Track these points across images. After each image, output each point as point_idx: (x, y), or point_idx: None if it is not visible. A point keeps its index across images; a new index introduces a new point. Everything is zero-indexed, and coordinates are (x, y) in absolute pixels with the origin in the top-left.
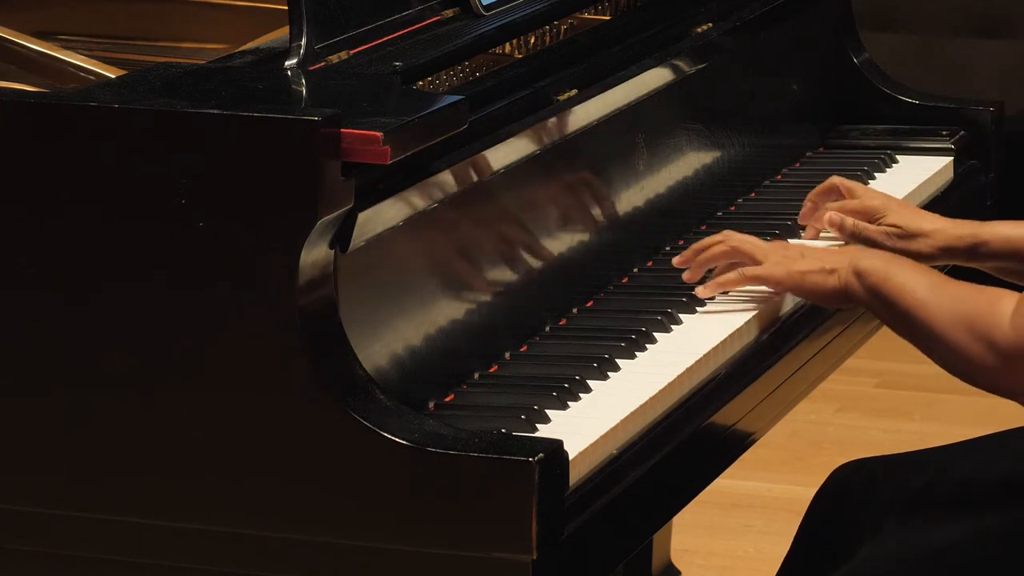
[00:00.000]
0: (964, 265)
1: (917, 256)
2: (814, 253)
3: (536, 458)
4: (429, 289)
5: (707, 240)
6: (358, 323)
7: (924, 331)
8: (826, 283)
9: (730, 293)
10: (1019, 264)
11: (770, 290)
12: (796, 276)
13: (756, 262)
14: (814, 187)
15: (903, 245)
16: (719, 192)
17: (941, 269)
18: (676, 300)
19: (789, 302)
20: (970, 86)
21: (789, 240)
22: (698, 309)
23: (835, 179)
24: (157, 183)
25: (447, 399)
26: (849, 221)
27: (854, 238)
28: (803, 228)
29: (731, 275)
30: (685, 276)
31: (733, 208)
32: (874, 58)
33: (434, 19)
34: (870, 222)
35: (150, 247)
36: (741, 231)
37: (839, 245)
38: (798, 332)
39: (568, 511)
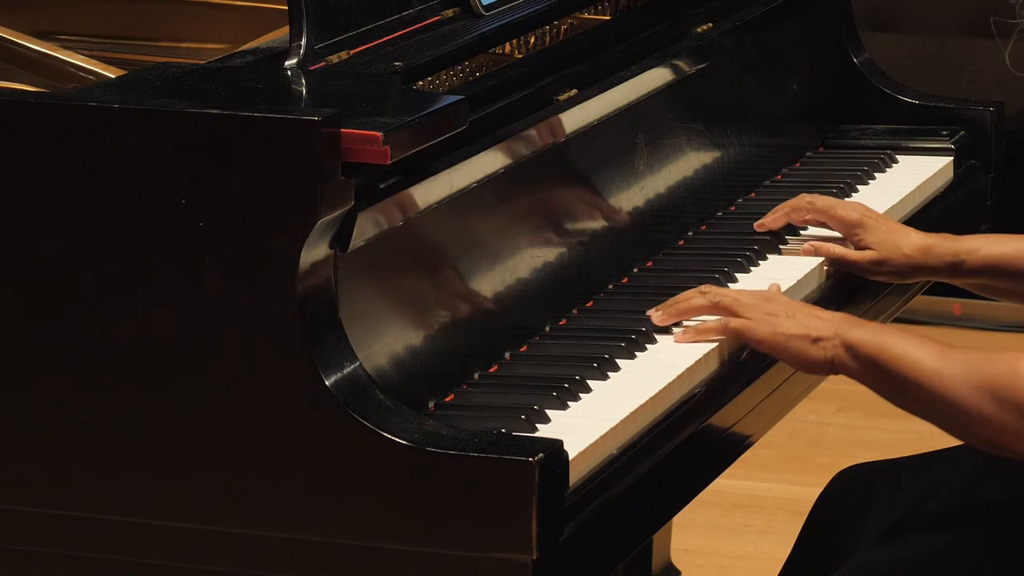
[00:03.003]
0: (942, 281)
1: (898, 274)
2: (799, 313)
3: (536, 458)
4: (429, 289)
5: (687, 293)
6: (358, 323)
7: (938, 403)
8: (809, 353)
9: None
10: (999, 281)
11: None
12: (780, 339)
13: (737, 316)
14: (814, 187)
15: (882, 269)
16: (719, 192)
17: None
18: None
19: None
20: (970, 86)
21: (769, 286)
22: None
23: (802, 196)
24: (157, 183)
25: (447, 399)
26: (826, 250)
27: (834, 265)
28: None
29: (713, 324)
30: (656, 321)
31: (733, 208)
32: (874, 58)
33: (434, 19)
34: (848, 236)
35: (150, 247)
36: (741, 231)
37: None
38: None
39: (568, 511)
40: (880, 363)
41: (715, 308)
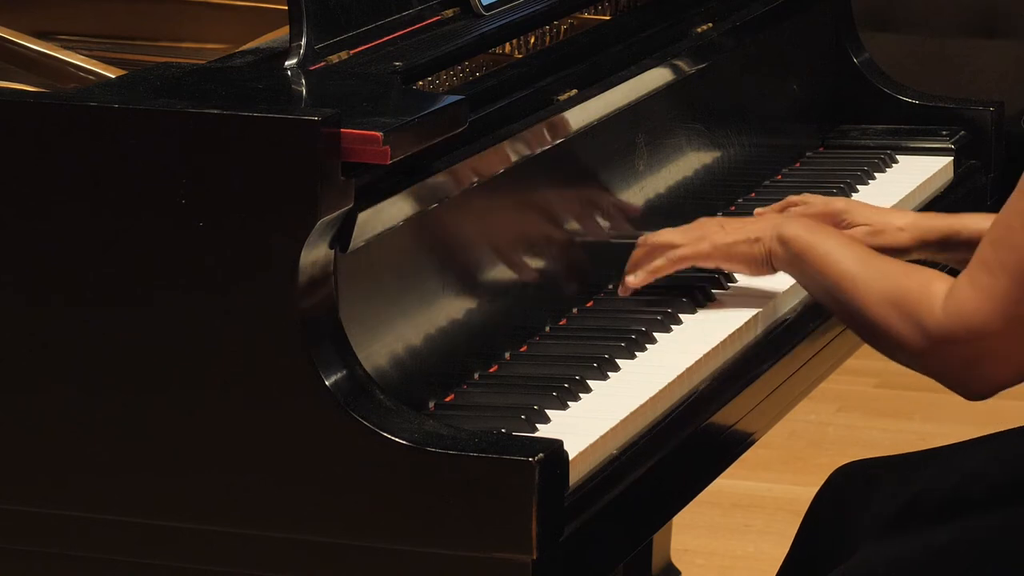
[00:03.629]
0: (933, 259)
1: (893, 250)
2: (733, 223)
3: (536, 458)
4: (429, 289)
5: (632, 256)
6: (358, 323)
7: (849, 304)
8: (751, 252)
9: (728, 294)
10: None
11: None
12: (723, 248)
13: (677, 248)
14: (814, 187)
15: (877, 241)
16: (719, 192)
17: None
18: (676, 300)
19: (788, 302)
20: (970, 86)
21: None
22: (698, 309)
23: (790, 198)
24: (157, 183)
25: (447, 399)
26: None
27: None
28: None
29: (658, 261)
30: (622, 289)
31: (733, 208)
32: (874, 58)
33: (434, 19)
34: (836, 224)
35: (150, 247)
36: None
37: None
38: (798, 332)
39: (568, 511)
40: (806, 260)
41: (654, 248)
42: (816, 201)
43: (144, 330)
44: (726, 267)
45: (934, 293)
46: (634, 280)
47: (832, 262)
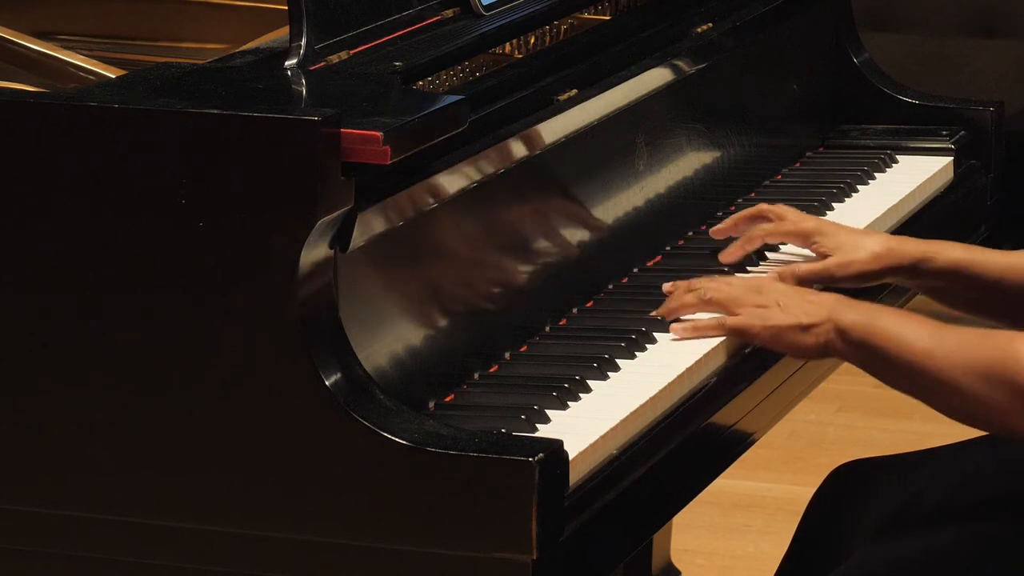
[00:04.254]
0: (903, 284)
1: (863, 275)
2: (791, 301)
3: (536, 458)
4: (429, 289)
5: (678, 292)
6: (358, 323)
7: (933, 385)
8: (803, 341)
9: None
10: (958, 286)
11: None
12: (773, 331)
13: (730, 312)
14: (814, 187)
15: (851, 270)
16: (719, 192)
17: (876, 291)
18: None
19: None
20: (970, 86)
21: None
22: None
23: (763, 206)
24: (157, 183)
25: (447, 399)
26: (791, 272)
27: (802, 283)
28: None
29: (709, 321)
30: (654, 313)
31: (733, 208)
32: (874, 58)
33: (434, 19)
34: (806, 245)
35: (150, 247)
36: (741, 231)
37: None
38: None
39: (568, 511)
40: (872, 346)
41: (707, 304)
42: (788, 217)
43: (144, 330)
44: (771, 348)
45: (1020, 352)
46: (678, 334)
47: (904, 345)
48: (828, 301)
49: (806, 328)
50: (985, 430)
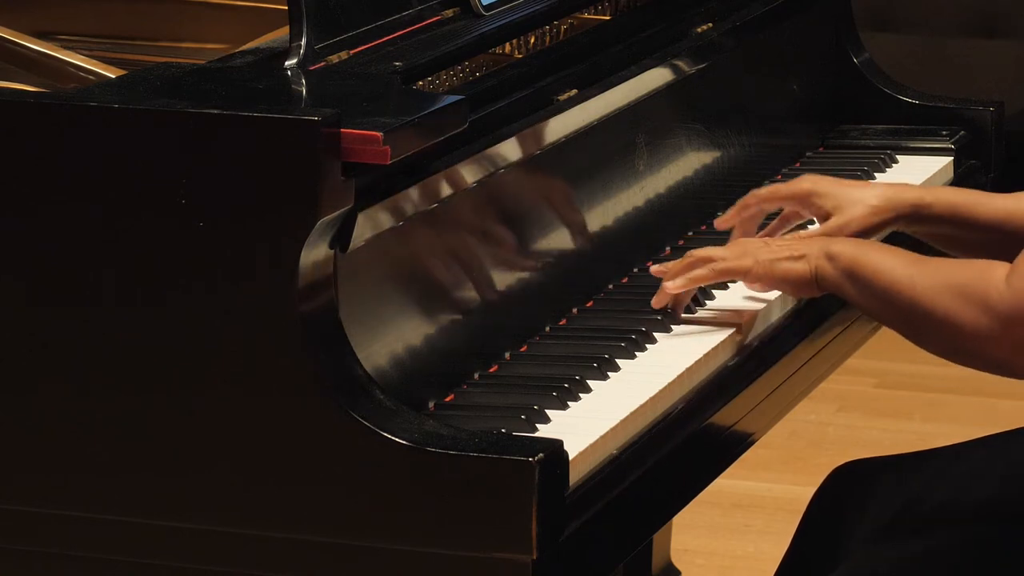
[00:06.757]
0: (903, 230)
1: (866, 228)
2: (777, 241)
3: (536, 458)
4: (429, 289)
5: (671, 266)
6: (358, 323)
7: (909, 307)
8: (795, 269)
9: (728, 294)
10: (957, 230)
11: (760, 294)
12: (765, 265)
13: (720, 260)
14: None
15: (853, 225)
16: (719, 192)
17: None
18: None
19: (787, 303)
20: (970, 86)
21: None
22: (698, 310)
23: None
24: (157, 183)
25: (447, 399)
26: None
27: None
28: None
29: (701, 271)
30: (653, 302)
31: None
32: (874, 58)
33: (434, 19)
34: (806, 208)
35: (150, 247)
36: None
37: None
38: (798, 332)
39: (568, 511)
40: (859, 272)
41: (696, 262)
42: (779, 186)
43: (144, 330)
44: (768, 285)
45: (995, 275)
46: (672, 286)
47: (886, 268)
48: (815, 236)
49: (798, 258)
50: (969, 364)
